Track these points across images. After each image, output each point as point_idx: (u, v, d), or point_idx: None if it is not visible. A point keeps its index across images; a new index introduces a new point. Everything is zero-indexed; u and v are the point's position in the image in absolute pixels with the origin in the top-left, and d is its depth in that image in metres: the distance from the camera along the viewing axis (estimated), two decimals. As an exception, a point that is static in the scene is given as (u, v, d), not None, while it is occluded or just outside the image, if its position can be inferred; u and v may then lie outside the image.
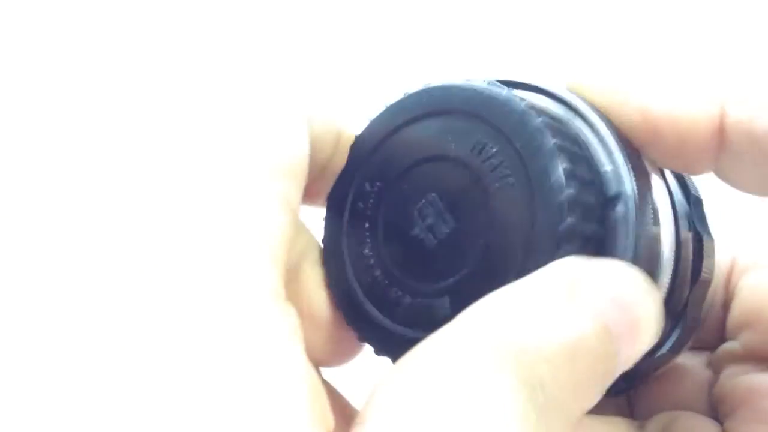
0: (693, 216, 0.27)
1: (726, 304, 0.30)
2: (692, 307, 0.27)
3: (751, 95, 0.24)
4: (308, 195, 0.26)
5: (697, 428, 0.27)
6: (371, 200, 0.26)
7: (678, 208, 0.26)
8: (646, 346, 0.19)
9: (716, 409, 0.28)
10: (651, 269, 0.24)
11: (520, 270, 0.21)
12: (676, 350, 0.27)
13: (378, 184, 0.26)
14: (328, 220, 0.27)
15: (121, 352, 0.19)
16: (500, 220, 0.23)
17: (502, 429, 0.16)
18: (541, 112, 0.24)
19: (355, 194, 0.26)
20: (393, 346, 0.24)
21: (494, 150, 0.23)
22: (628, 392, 0.29)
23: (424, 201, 0.25)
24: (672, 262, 0.25)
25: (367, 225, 0.26)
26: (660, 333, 0.21)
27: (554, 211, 0.22)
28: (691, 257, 0.26)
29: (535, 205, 0.22)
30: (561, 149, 0.23)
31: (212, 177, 0.22)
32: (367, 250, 0.26)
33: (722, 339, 0.30)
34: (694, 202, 0.27)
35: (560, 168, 0.22)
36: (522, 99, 0.24)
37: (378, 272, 0.25)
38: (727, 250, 0.31)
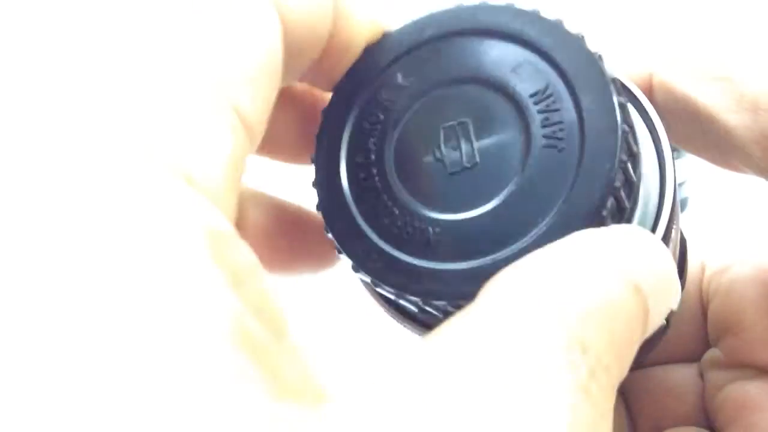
0: None
1: (704, 311, 0.31)
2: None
3: (678, 60, 0.26)
4: (310, 77, 0.24)
5: None
6: (399, 96, 0.23)
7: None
8: (673, 303, 0.20)
9: (711, 420, 0.29)
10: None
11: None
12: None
13: (413, 79, 0.23)
14: (332, 107, 0.24)
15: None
16: (532, 181, 0.21)
17: (555, 394, 0.16)
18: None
19: (381, 85, 0.23)
20: (373, 261, 0.22)
21: (557, 108, 0.21)
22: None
23: (457, 122, 0.22)
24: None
25: (381, 121, 0.23)
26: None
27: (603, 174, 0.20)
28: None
29: (578, 179, 0.21)
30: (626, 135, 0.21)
31: (136, 87, 0.18)
32: (371, 152, 0.23)
33: (707, 346, 0.31)
34: None
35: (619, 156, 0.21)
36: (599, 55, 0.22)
37: (376, 178, 0.23)
38: (695, 254, 0.31)
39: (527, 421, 0.15)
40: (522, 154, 0.21)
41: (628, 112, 0.22)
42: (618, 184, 0.21)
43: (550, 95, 0.21)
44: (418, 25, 0.23)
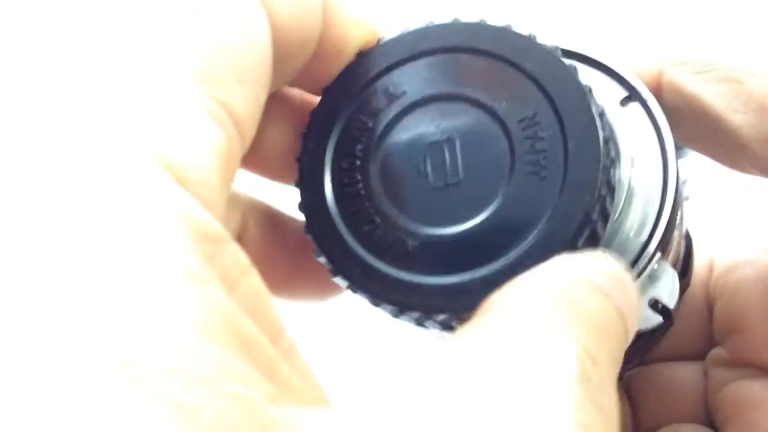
0: None
1: (710, 310, 0.31)
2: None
3: (688, 60, 0.26)
4: (301, 81, 0.23)
5: None
6: (389, 106, 0.23)
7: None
8: (637, 323, 0.21)
9: (712, 418, 0.29)
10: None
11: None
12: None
13: (404, 91, 0.23)
14: (321, 108, 0.24)
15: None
16: (513, 204, 0.22)
17: (566, 405, 0.16)
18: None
19: (372, 92, 0.23)
20: (351, 267, 0.22)
21: (543, 136, 0.22)
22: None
23: (444, 138, 0.23)
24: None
25: (370, 128, 0.23)
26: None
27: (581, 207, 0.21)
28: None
29: (562, 203, 0.21)
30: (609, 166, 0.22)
31: (110, 83, 0.18)
32: (357, 158, 0.23)
33: (712, 345, 0.31)
34: None
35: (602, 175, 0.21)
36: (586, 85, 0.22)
37: (359, 185, 0.23)
38: (704, 252, 0.31)
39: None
40: (505, 177, 0.22)
41: (611, 146, 0.22)
42: (595, 217, 0.21)
43: (538, 123, 0.22)
44: (414, 37, 0.24)
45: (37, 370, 0.14)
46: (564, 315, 0.18)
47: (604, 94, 0.26)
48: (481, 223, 0.22)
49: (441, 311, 0.21)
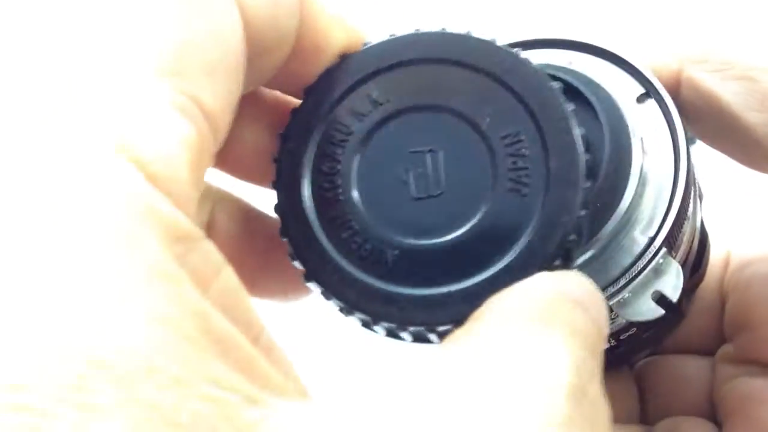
0: None
1: (723, 304, 0.32)
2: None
3: (709, 58, 0.27)
4: (279, 82, 0.23)
5: None
6: (373, 111, 0.23)
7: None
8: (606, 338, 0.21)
9: (716, 411, 0.30)
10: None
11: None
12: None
13: (390, 97, 0.23)
14: (303, 108, 0.23)
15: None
16: (493, 221, 0.22)
17: (559, 405, 0.16)
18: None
19: (356, 97, 0.23)
20: (327, 274, 0.22)
21: (525, 154, 0.22)
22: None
23: (428, 149, 0.23)
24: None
25: (352, 132, 0.23)
26: None
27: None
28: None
29: (540, 223, 0.21)
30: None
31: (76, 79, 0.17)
32: (338, 162, 0.23)
33: (723, 340, 0.32)
34: None
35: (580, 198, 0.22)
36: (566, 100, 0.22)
37: (339, 190, 0.23)
38: (721, 245, 0.31)
39: None
40: (487, 192, 0.22)
41: (591, 167, 0.22)
42: (573, 237, 0.21)
43: (521, 140, 0.22)
44: (401, 44, 0.23)
45: (15, 370, 0.14)
46: (555, 325, 0.18)
47: (622, 89, 0.27)
48: (461, 237, 0.22)
49: (417, 323, 0.22)
